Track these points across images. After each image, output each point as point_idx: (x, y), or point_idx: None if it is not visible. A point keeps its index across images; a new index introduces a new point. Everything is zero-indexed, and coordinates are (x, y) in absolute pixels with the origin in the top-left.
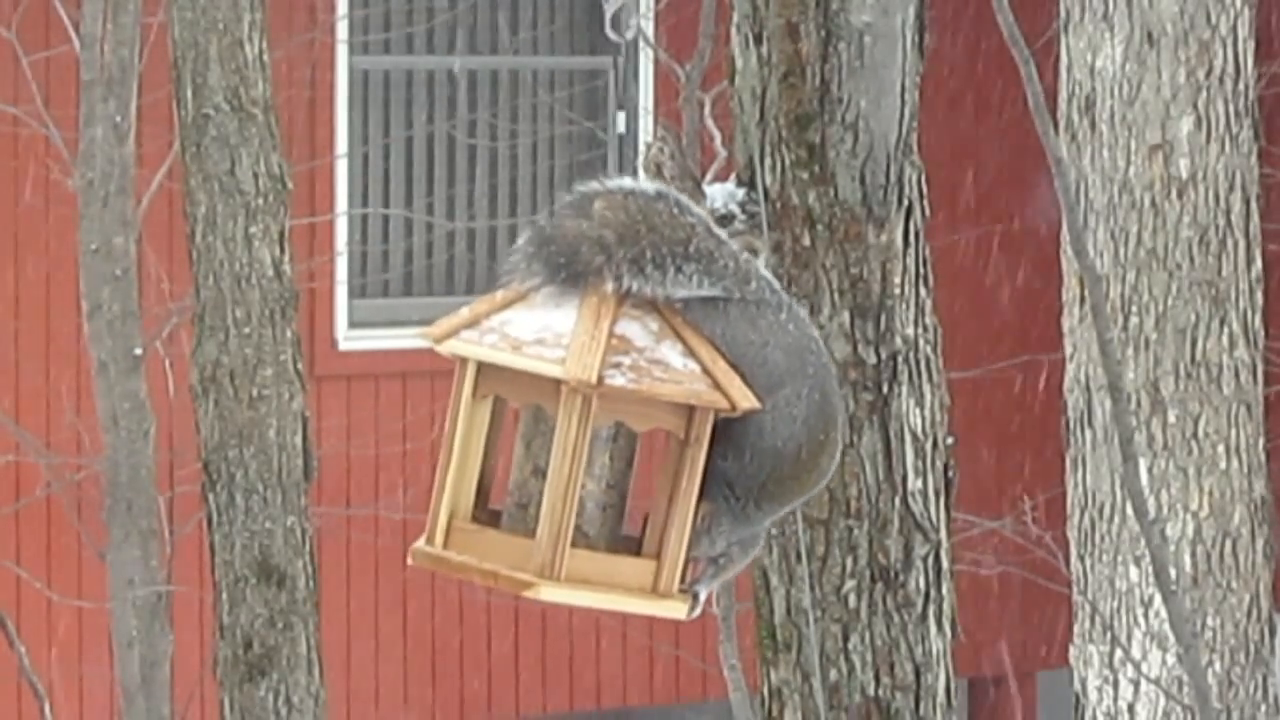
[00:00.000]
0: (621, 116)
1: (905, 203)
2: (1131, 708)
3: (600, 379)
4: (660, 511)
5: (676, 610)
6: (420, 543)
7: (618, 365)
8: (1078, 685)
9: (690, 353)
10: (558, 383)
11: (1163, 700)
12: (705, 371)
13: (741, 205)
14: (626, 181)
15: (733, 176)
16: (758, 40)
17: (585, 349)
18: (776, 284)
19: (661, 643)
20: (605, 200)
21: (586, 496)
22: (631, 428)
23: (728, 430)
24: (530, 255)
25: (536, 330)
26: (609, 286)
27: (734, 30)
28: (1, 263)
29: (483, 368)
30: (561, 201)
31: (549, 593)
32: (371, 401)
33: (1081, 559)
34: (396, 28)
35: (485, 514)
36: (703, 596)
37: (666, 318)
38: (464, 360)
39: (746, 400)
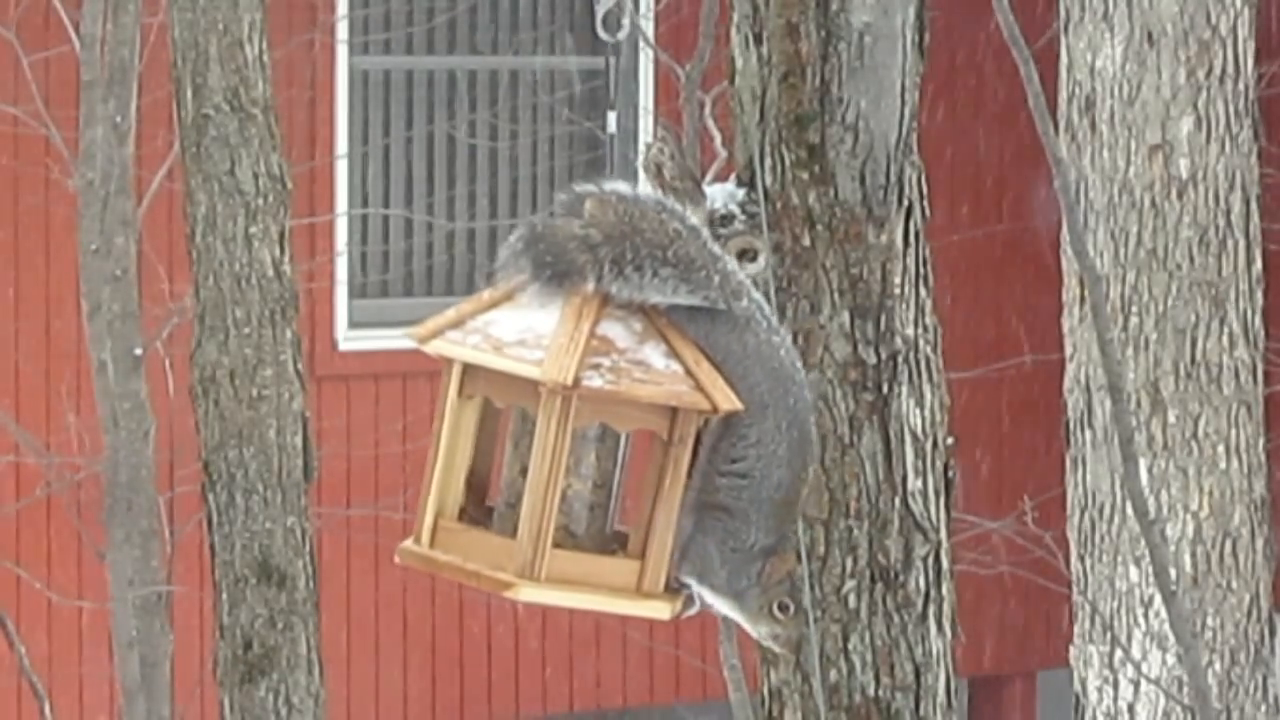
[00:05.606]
0: (613, 116)
1: (905, 203)
2: (1131, 708)
3: (578, 380)
4: (645, 511)
5: (660, 611)
6: (408, 542)
7: (597, 366)
8: (1078, 685)
9: (673, 354)
10: (538, 384)
11: (1163, 700)
12: (688, 373)
13: (741, 205)
14: (621, 185)
15: (733, 176)
16: (758, 40)
17: (563, 350)
18: (768, 309)
19: (661, 643)
20: (596, 201)
21: (574, 496)
22: (614, 428)
23: (723, 488)
24: (519, 252)
25: (519, 331)
26: (590, 286)
27: (734, 30)
28: (1, 263)
29: (468, 368)
30: (556, 201)
31: (529, 593)
32: (371, 401)
33: (1081, 559)
34: (396, 28)
35: (480, 512)
36: (697, 598)
37: (651, 319)
38: (449, 361)
39: (729, 402)
